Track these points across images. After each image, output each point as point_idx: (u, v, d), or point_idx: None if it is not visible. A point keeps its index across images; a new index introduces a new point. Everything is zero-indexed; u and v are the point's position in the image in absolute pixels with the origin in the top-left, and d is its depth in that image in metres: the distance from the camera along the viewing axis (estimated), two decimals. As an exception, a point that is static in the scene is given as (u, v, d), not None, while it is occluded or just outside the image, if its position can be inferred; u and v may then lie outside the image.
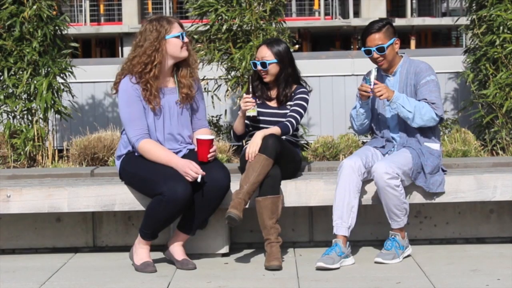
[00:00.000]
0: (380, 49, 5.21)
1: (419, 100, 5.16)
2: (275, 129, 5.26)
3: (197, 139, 5.07)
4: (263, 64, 5.42)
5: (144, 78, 5.05)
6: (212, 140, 5.09)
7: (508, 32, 7.25)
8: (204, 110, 5.35)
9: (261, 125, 5.46)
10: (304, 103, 5.45)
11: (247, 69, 7.15)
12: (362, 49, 5.28)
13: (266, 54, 5.44)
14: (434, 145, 5.26)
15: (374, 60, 5.24)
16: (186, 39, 5.13)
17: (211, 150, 5.06)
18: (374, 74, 5.15)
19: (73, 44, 7.51)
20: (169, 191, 4.85)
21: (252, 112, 5.32)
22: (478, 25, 7.48)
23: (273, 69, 5.44)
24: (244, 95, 5.37)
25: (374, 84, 5.11)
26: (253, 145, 5.15)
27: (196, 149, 5.12)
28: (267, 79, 5.46)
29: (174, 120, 5.17)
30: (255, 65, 5.47)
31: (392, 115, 5.30)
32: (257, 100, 5.44)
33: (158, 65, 5.06)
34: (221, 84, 7.64)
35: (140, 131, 5.05)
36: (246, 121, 5.48)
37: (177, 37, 5.09)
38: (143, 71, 5.05)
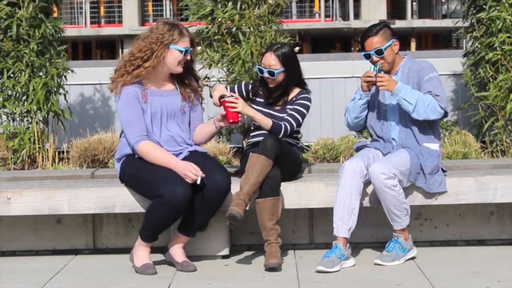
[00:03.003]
0: (379, 52, 5.23)
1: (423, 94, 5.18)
2: (267, 121, 5.26)
3: (224, 101, 5.08)
4: (271, 73, 5.41)
5: (132, 73, 5.07)
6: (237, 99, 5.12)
7: (506, 33, 7.25)
8: (201, 111, 5.36)
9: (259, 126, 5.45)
10: (304, 110, 5.41)
11: (245, 69, 7.14)
12: (362, 54, 5.30)
13: (273, 62, 5.42)
14: (434, 145, 5.26)
15: (375, 64, 5.25)
16: (188, 57, 5.13)
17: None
18: (379, 66, 5.17)
19: (63, 47, 7.49)
20: (168, 193, 4.85)
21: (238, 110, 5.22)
22: (477, 28, 7.48)
23: (280, 76, 5.44)
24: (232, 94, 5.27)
25: (380, 71, 5.12)
26: (240, 106, 5.12)
27: (223, 113, 5.12)
28: (273, 85, 5.46)
29: (173, 122, 5.17)
30: (261, 71, 5.46)
31: (392, 116, 5.31)
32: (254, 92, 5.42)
33: (144, 65, 5.05)
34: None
35: (139, 133, 5.05)
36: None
37: (180, 51, 5.08)
38: (129, 61, 5.05)
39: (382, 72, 5.18)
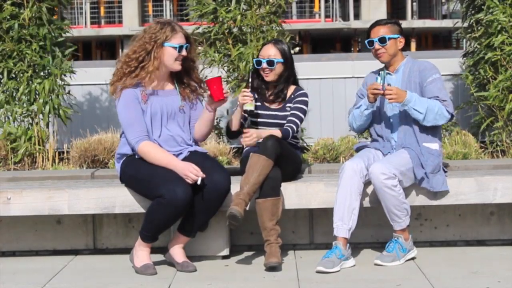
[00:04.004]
0: (382, 40, 5.25)
1: (429, 98, 5.18)
2: (276, 132, 5.28)
3: (207, 81, 5.08)
4: (270, 62, 5.40)
5: (128, 75, 5.08)
6: (220, 78, 5.11)
7: (505, 33, 7.25)
8: (201, 110, 5.35)
9: (260, 127, 5.46)
10: (305, 107, 5.45)
11: (247, 70, 7.15)
12: (366, 41, 5.32)
13: (272, 52, 5.42)
14: (433, 145, 5.26)
15: (375, 52, 5.27)
16: (184, 53, 5.12)
17: (223, 88, 5.08)
18: (384, 74, 5.17)
19: (72, 46, 7.49)
20: (168, 194, 4.85)
21: (249, 107, 5.28)
22: (476, 28, 7.48)
23: (279, 68, 5.44)
24: (243, 89, 5.36)
25: (387, 85, 5.12)
26: (256, 134, 5.17)
27: (209, 94, 5.12)
28: (270, 78, 5.44)
29: (173, 122, 5.17)
30: (259, 63, 5.44)
31: (394, 116, 5.31)
32: (255, 96, 5.42)
33: (147, 68, 5.06)
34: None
35: (140, 133, 5.05)
36: (243, 121, 5.46)
37: (174, 48, 5.08)
38: (125, 63, 5.07)
39: (388, 84, 5.15)
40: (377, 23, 5.35)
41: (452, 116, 5.22)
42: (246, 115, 5.41)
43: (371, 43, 5.29)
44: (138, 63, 5.08)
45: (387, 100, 5.14)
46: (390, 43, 5.27)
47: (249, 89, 5.36)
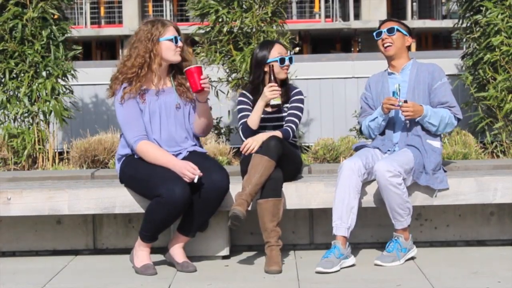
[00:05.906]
0: (390, 30, 5.29)
1: (440, 103, 5.25)
2: (277, 133, 5.28)
3: (186, 71, 5.04)
4: (291, 59, 5.46)
5: (132, 76, 5.08)
6: (200, 67, 5.04)
7: (504, 34, 7.25)
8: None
9: (260, 129, 5.45)
10: (302, 106, 5.47)
11: (248, 71, 7.15)
12: (374, 33, 5.35)
13: (285, 50, 5.48)
14: (436, 143, 5.28)
15: (382, 43, 5.30)
16: (180, 44, 5.14)
17: (202, 77, 5.02)
18: (398, 87, 5.17)
19: (77, 48, 7.48)
20: (167, 193, 4.85)
21: (277, 101, 5.26)
22: (475, 30, 7.49)
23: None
24: (269, 84, 5.31)
25: (404, 101, 5.13)
26: (255, 142, 5.16)
27: (189, 87, 5.09)
28: (286, 75, 5.47)
29: (171, 120, 5.16)
30: (283, 61, 5.43)
31: (396, 114, 5.30)
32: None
33: (151, 67, 5.08)
34: (222, 84, 7.64)
35: (138, 133, 5.06)
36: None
37: (170, 40, 5.10)
38: (138, 74, 5.08)
39: (404, 100, 5.14)
40: (389, 19, 5.44)
41: (459, 120, 5.28)
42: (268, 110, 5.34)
43: (379, 34, 5.34)
44: (147, 66, 5.10)
45: (403, 115, 5.16)
46: (398, 35, 5.31)
47: (274, 82, 5.32)
